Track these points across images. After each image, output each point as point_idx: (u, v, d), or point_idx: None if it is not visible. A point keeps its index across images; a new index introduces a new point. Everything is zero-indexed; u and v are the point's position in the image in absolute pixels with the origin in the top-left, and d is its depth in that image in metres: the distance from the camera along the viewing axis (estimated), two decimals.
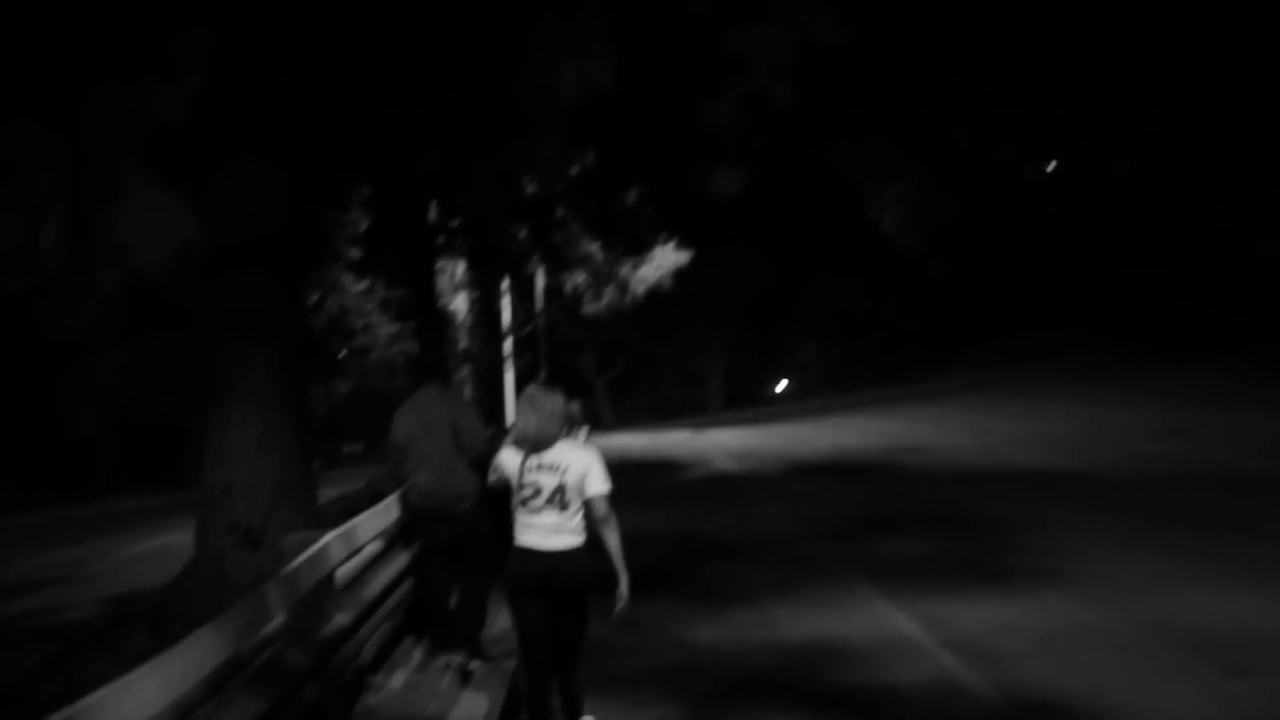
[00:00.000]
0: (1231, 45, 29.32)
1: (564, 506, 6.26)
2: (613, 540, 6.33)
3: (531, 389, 6.55)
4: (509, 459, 6.40)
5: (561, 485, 6.26)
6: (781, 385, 56.18)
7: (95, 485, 40.74)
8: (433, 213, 22.60)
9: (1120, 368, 41.85)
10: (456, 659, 8.01)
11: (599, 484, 6.30)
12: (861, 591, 10.56)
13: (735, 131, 18.08)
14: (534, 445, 6.35)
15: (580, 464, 6.31)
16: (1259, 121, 31.15)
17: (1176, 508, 14.54)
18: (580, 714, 6.53)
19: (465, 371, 31.23)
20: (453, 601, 8.47)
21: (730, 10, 14.27)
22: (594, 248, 29.91)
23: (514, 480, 6.35)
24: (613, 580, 6.38)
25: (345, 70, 12.42)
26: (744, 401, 52.13)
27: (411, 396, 8.77)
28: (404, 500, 8.55)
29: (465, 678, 7.80)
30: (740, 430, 34.15)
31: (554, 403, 6.42)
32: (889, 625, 9.27)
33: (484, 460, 7.66)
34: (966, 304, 51.24)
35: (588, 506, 6.31)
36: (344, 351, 31.16)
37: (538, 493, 6.27)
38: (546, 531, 6.26)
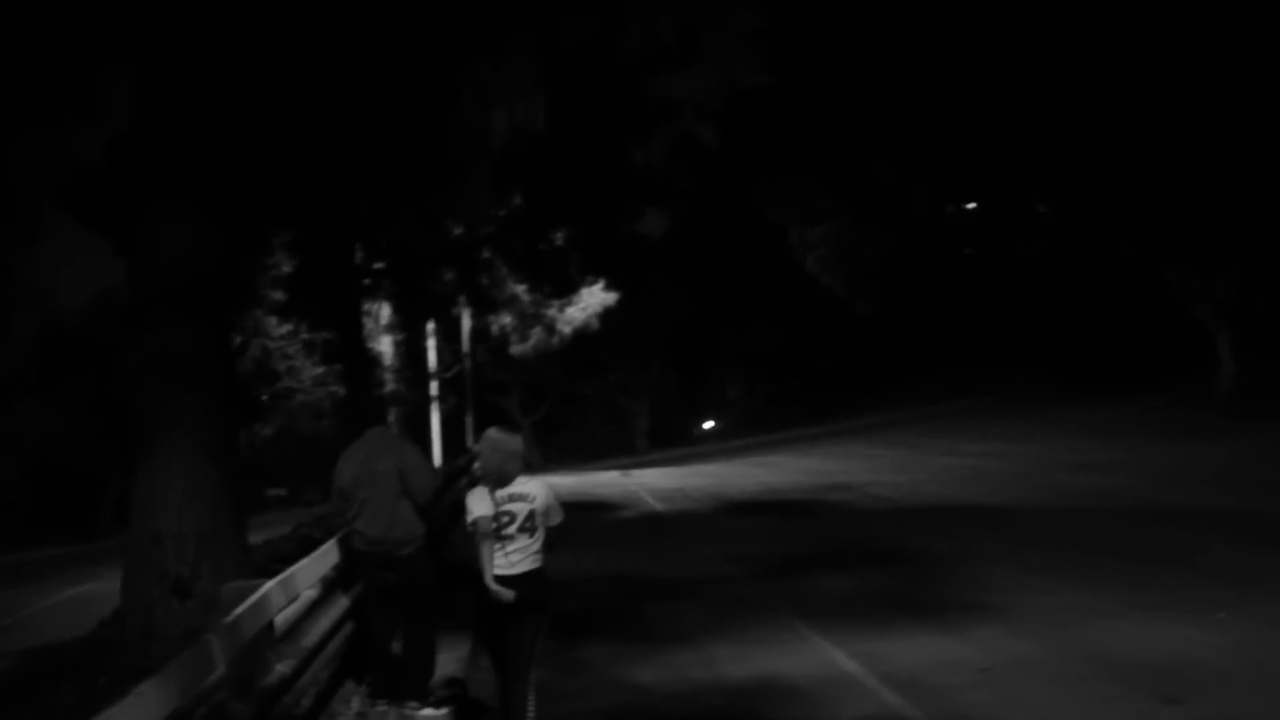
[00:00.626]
0: (1144, 86, 30.08)
1: (532, 532, 6.95)
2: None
3: (493, 431, 7.11)
4: (482, 497, 6.92)
5: (532, 512, 6.94)
6: (708, 424, 56.36)
7: (7, 534, 39.90)
8: (358, 255, 22.51)
9: (1041, 403, 42.50)
10: (396, 710, 7.97)
11: (558, 516, 7.09)
12: (799, 629, 10.61)
13: (663, 174, 18.22)
14: (497, 481, 6.94)
15: (543, 493, 7.04)
16: (1169, 156, 31.89)
17: (1103, 540, 14.78)
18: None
19: (392, 414, 31.04)
20: (397, 648, 8.40)
21: (658, 54, 14.37)
22: (521, 289, 29.95)
23: (488, 515, 6.86)
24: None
25: (272, 114, 12.36)
26: (671, 441, 52.22)
27: (356, 442, 8.71)
28: (345, 545, 8.47)
29: None
30: (668, 470, 34.19)
31: (514, 442, 7.08)
32: (828, 662, 9.31)
33: (431, 506, 7.68)
34: (891, 343, 51.85)
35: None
36: (266, 395, 30.85)
37: (512, 520, 6.89)
38: (519, 556, 6.90)
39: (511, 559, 6.85)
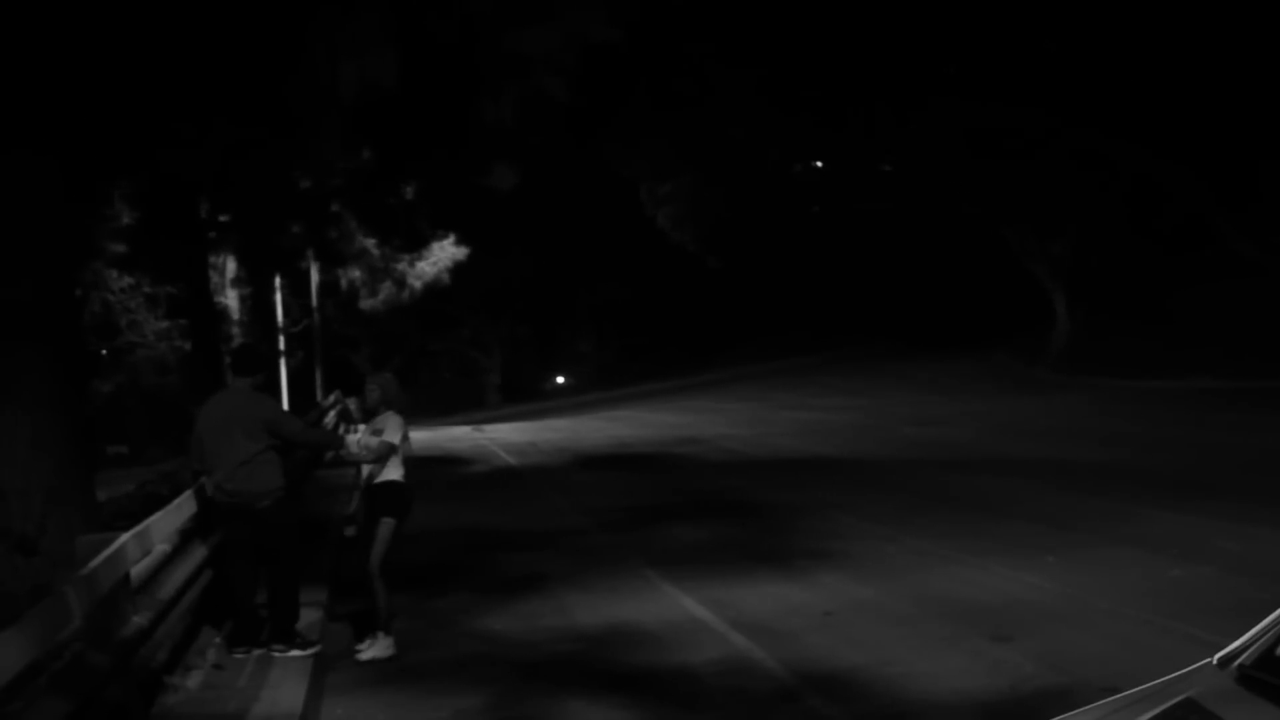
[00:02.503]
0: (988, 53, 30.87)
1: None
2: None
3: (373, 376, 9.28)
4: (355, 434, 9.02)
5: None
6: (560, 379, 56.51)
7: None
8: (203, 207, 22.06)
9: (885, 358, 43.63)
10: (260, 652, 8.11)
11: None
12: (650, 578, 10.86)
13: (514, 129, 18.23)
14: (368, 415, 8.97)
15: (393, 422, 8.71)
16: (1007, 121, 32.83)
17: (942, 489, 15.37)
18: None
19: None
20: (260, 598, 8.47)
21: (510, 9, 14.39)
22: (370, 243, 29.63)
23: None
24: None
25: (109, 60, 12.07)
26: (523, 396, 52.28)
27: (216, 394, 8.77)
28: (202, 497, 8.46)
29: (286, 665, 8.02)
30: (520, 424, 34.30)
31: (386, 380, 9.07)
32: (678, 609, 9.57)
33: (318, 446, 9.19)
34: (741, 299, 52.54)
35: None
36: (106, 350, 30.06)
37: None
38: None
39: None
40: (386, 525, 8.48)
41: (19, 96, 10.66)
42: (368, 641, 8.57)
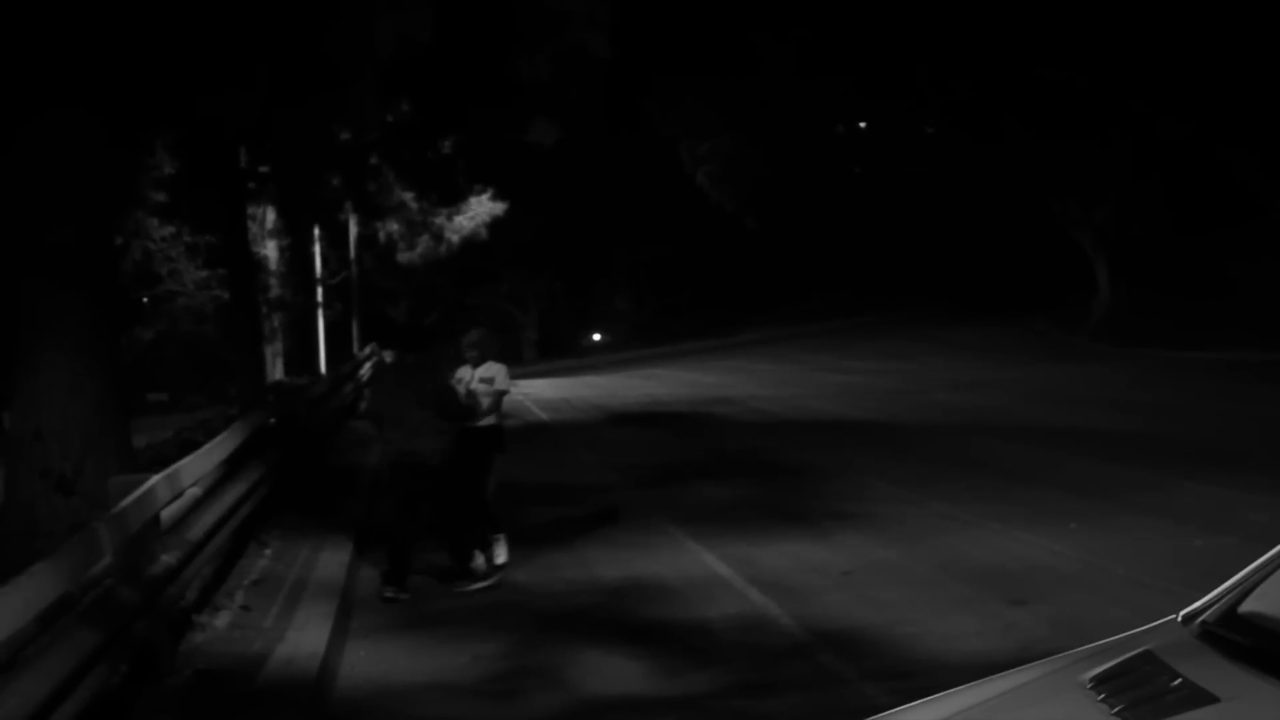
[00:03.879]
0: (1030, 11, 30.57)
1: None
2: None
3: (466, 336, 9.88)
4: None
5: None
6: (596, 337, 56.65)
7: None
8: (243, 158, 22.22)
9: (924, 322, 43.45)
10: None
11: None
12: (674, 534, 10.99)
13: (552, 84, 18.27)
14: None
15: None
16: (1054, 81, 32.53)
17: (973, 456, 15.39)
18: None
19: (276, 320, 30.80)
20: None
21: None
22: (408, 196, 29.73)
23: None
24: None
25: (154, 10, 12.19)
26: (559, 352, 52.44)
27: (399, 365, 9.83)
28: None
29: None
30: (555, 380, 34.47)
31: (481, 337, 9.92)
32: (699, 565, 9.70)
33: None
34: (779, 260, 52.40)
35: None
36: (147, 298, 30.37)
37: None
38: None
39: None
40: (496, 461, 9.62)
41: (63, 46, 10.81)
42: (494, 551, 9.49)
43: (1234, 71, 27.68)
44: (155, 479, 6.49)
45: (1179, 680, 2.04)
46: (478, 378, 9.53)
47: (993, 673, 6.45)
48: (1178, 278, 34.56)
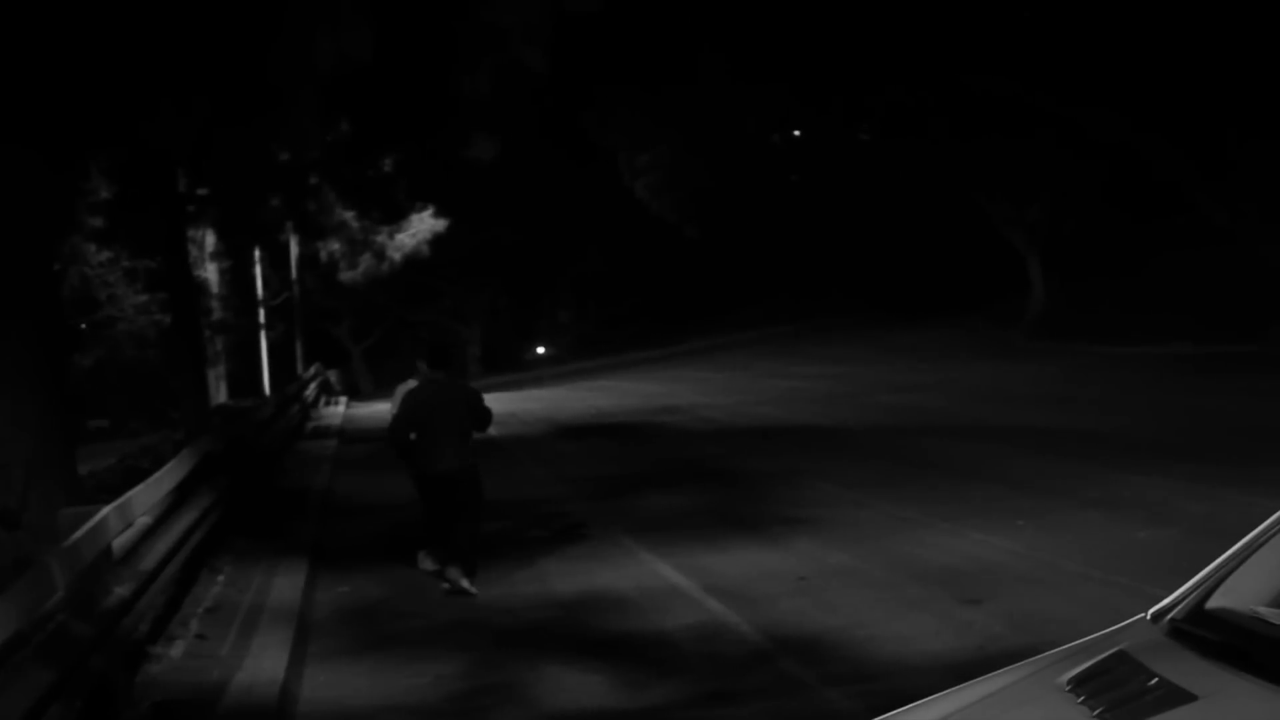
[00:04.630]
0: (963, 20, 30.92)
1: None
2: None
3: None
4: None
5: None
6: (540, 350, 56.59)
7: None
8: (181, 181, 22.01)
9: (864, 326, 43.79)
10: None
11: None
12: (628, 545, 11.00)
13: (492, 100, 18.25)
14: None
15: None
16: (988, 83, 32.89)
17: (918, 456, 15.52)
18: None
19: (219, 343, 30.52)
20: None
21: None
22: (350, 215, 29.60)
23: None
24: None
25: (90, 37, 12.08)
26: (503, 366, 52.34)
27: (428, 384, 9.99)
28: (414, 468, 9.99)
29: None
30: (501, 395, 34.33)
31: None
32: (655, 576, 9.72)
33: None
34: (720, 268, 52.60)
35: None
36: (85, 325, 30.03)
37: None
38: None
39: None
40: None
41: None
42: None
43: (1158, 70, 28.09)
44: (107, 510, 6.41)
45: (1155, 679, 2.07)
46: None
47: (954, 672, 6.51)
48: (1110, 274, 35.09)
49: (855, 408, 22.21)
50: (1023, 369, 27.56)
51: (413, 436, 9.84)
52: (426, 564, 10.22)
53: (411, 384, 10.46)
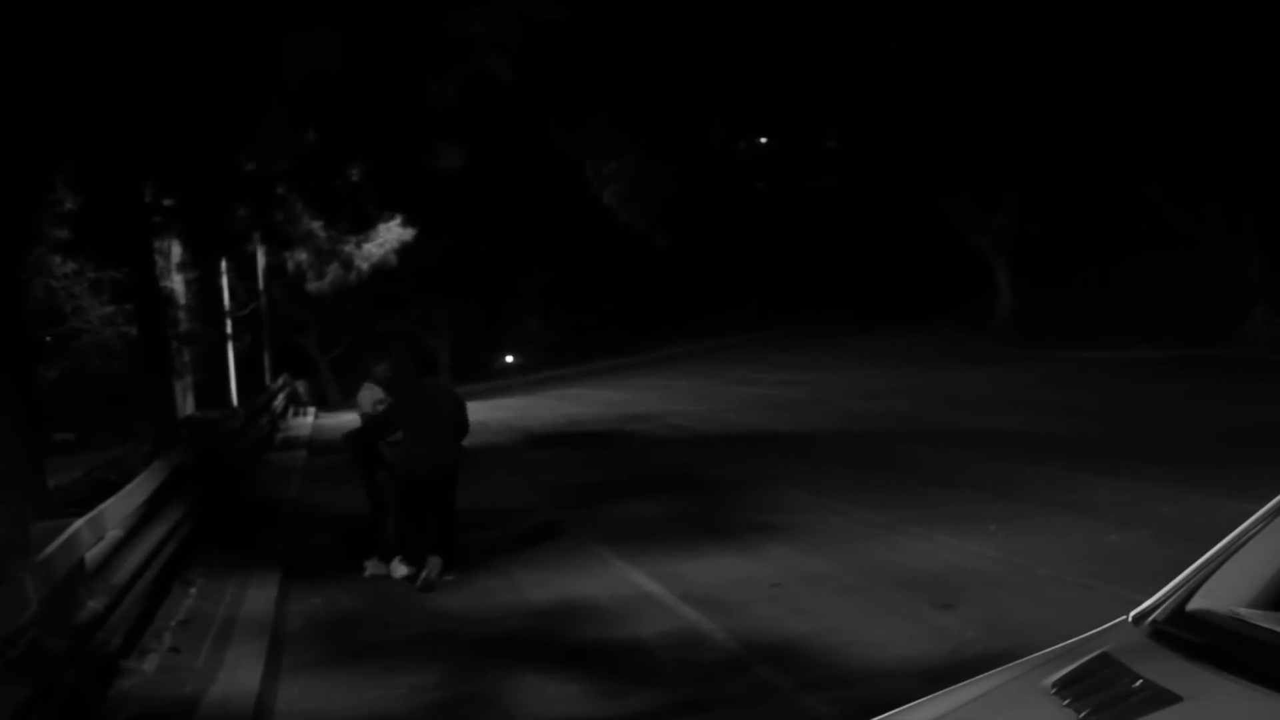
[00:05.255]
0: (928, 26, 31.09)
1: None
2: None
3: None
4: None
5: None
6: (509, 358, 56.52)
7: None
8: (148, 192, 21.85)
9: (832, 333, 43.94)
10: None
11: None
12: (601, 553, 11.01)
13: (459, 109, 18.24)
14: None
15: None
16: (954, 91, 33.08)
17: (887, 461, 15.60)
18: None
19: (186, 354, 30.32)
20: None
21: None
22: (317, 225, 29.47)
23: None
24: None
25: (55, 48, 11.99)
26: (472, 375, 52.23)
27: (425, 390, 10.52)
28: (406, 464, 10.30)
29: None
30: (470, 404, 34.19)
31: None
32: (629, 584, 9.72)
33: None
34: (689, 276, 52.70)
35: None
36: (50, 337, 29.77)
37: None
38: None
39: None
40: None
41: None
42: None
43: (1118, 74, 28.31)
44: (79, 523, 6.38)
45: (1140, 681, 2.10)
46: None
47: (928, 677, 6.55)
48: (1076, 279, 35.35)
49: (824, 414, 22.29)
50: (990, 374, 27.73)
51: (398, 437, 10.24)
52: (400, 570, 10.35)
53: (375, 389, 10.97)
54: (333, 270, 34.63)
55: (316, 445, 24.30)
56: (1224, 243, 29.27)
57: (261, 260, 35.59)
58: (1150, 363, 25.69)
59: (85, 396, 33.31)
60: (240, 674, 7.44)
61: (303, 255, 32.75)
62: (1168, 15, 26.07)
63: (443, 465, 10.23)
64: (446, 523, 10.32)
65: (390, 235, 34.17)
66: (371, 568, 10.59)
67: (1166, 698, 2.00)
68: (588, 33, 29.45)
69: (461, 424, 10.57)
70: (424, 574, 9.94)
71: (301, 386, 39.61)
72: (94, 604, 6.49)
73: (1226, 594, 2.37)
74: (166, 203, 22.60)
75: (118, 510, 7.59)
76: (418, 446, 10.12)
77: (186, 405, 30.31)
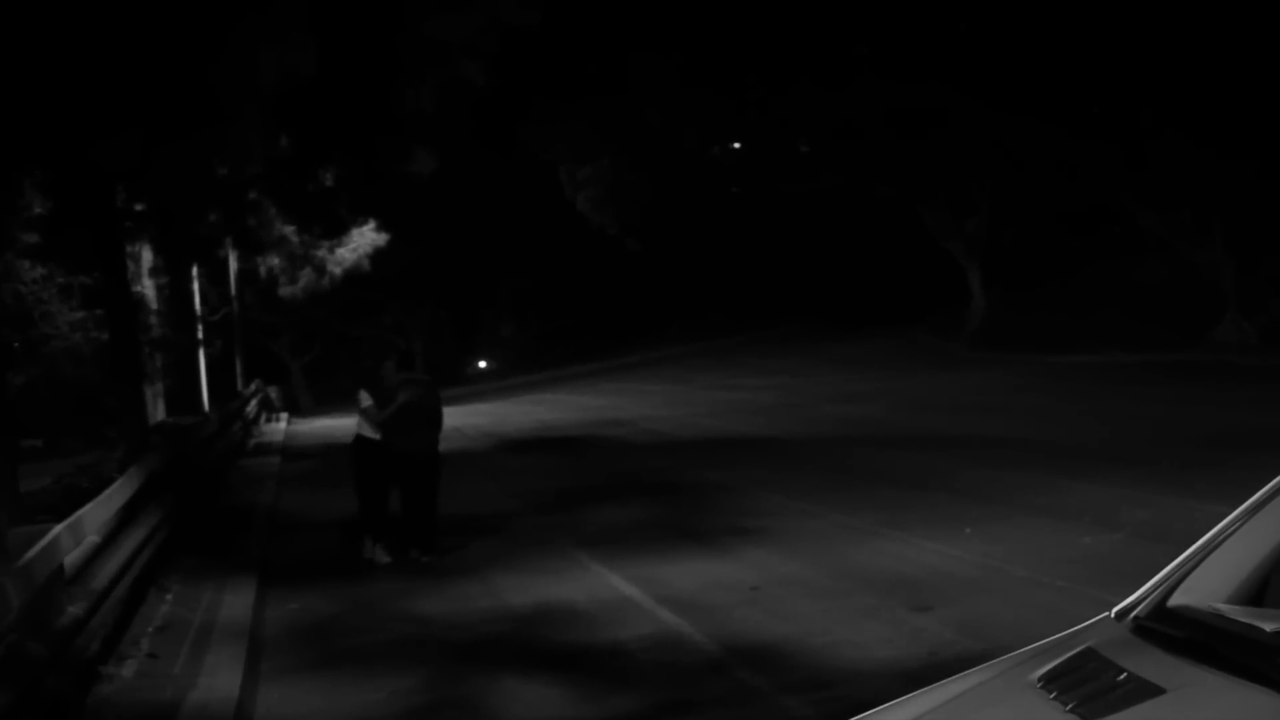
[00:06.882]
0: (901, 32, 31.28)
1: None
2: None
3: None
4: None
5: None
6: (482, 364, 56.44)
7: None
8: (119, 196, 21.74)
9: (806, 338, 44.06)
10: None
11: None
12: (579, 558, 11.03)
13: (434, 114, 18.25)
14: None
15: None
16: (922, 94, 33.23)
17: (863, 465, 15.67)
18: None
19: (158, 359, 30.15)
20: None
21: None
22: (290, 230, 29.38)
23: None
24: None
25: (21, 50, 11.95)
26: (446, 380, 52.05)
27: (412, 380, 11.75)
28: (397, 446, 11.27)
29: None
30: (444, 409, 34.18)
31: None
32: (607, 588, 9.75)
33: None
34: (662, 281, 52.74)
35: None
36: (18, 342, 29.56)
37: None
38: None
39: None
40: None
41: None
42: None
43: (1087, 75, 28.52)
44: (59, 529, 6.37)
45: (1124, 675, 2.15)
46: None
47: (907, 678, 6.61)
48: (1048, 283, 35.55)
49: (799, 419, 22.36)
50: (965, 378, 27.85)
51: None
52: (383, 558, 11.26)
53: (366, 397, 11.57)
54: (305, 275, 34.54)
55: (290, 451, 24.24)
56: (1194, 247, 29.50)
57: (234, 265, 35.45)
58: (1122, 367, 25.87)
59: (54, 403, 33.08)
60: (219, 679, 7.43)
61: (275, 260, 32.65)
62: (1137, 15, 26.27)
63: (421, 446, 11.50)
64: (429, 505, 11.47)
65: (363, 240, 34.11)
66: (381, 557, 11.34)
67: (1151, 690, 2.05)
68: (562, 38, 29.48)
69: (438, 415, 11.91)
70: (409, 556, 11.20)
71: (274, 392, 39.46)
72: (74, 609, 6.48)
73: (1206, 590, 2.42)
74: (138, 207, 22.54)
75: (96, 516, 7.58)
76: (405, 428, 11.34)
77: (158, 411, 30.15)
